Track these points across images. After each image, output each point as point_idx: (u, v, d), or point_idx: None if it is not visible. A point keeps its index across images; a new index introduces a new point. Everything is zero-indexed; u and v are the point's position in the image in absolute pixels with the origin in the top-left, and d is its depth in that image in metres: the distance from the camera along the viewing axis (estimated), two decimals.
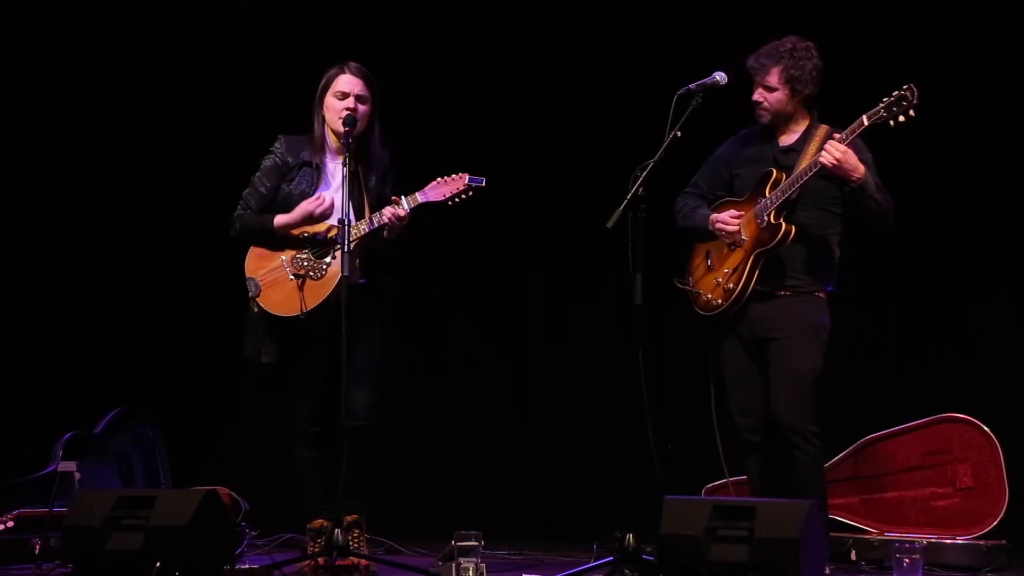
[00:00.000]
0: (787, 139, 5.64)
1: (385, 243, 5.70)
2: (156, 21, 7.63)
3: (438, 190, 5.65)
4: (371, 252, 5.72)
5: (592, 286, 7.18)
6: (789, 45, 5.55)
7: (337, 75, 5.75)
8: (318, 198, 5.67)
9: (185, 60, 7.65)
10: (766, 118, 5.61)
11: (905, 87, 5.27)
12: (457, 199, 5.64)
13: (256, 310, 5.72)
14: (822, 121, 5.61)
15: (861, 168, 5.38)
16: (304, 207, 5.68)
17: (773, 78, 5.54)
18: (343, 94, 5.72)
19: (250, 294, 5.73)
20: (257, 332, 5.75)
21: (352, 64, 5.77)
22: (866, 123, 5.32)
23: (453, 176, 5.65)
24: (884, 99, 5.29)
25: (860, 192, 5.41)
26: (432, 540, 6.12)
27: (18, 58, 7.59)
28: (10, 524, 6.06)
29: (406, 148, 5.91)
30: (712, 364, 5.72)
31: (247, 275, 5.75)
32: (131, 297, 7.60)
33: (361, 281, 5.70)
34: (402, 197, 5.66)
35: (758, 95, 5.57)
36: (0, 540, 6.00)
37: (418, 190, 5.69)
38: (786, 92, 5.55)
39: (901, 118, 5.26)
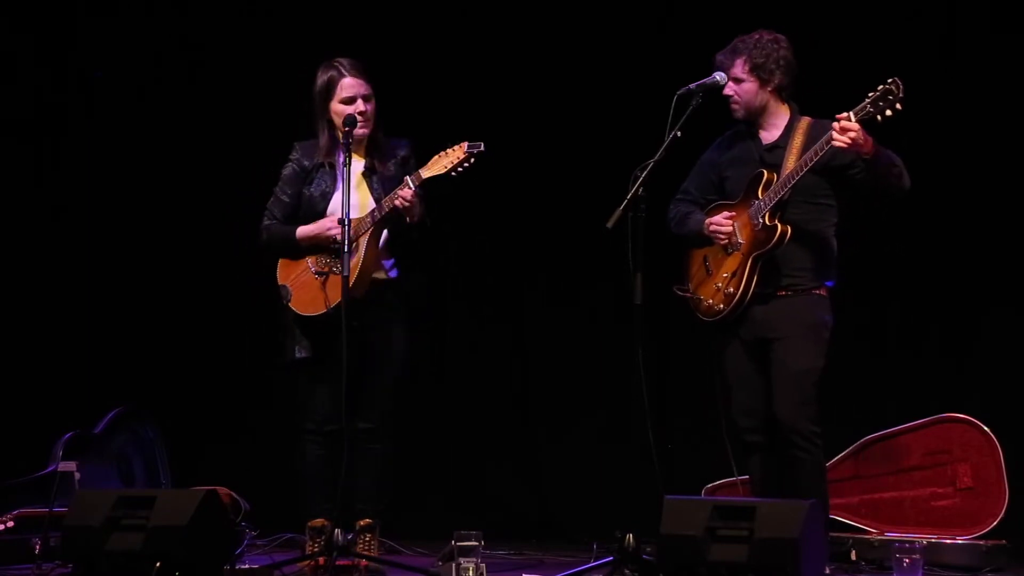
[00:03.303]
0: (770, 135, 5.62)
1: (410, 229, 5.70)
2: (164, 23, 7.64)
3: (440, 163, 5.64)
4: (400, 243, 5.73)
5: (592, 286, 7.18)
6: (756, 36, 5.56)
7: (338, 80, 5.75)
8: (336, 226, 5.65)
9: (193, 60, 7.64)
10: (739, 112, 5.60)
11: (890, 81, 5.22)
12: (459, 168, 5.62)
13: (291, 316, 5.80)
14: (804, 114, 5.60)
15: (870, 139, 5.32)
16: (325, 226, 5.71)
17: (738, 69, 5.55)
18: (350, 99, 5.73)
19: (284, 301, 5.80)
20: (290, 332, 5.81)
21: (346, 63, 5.77)
22: (854, 119, 5.31)
23: (453, 147, 5.64)
24: (870, 94, 5.25)
25: (876, 160, 5.36)
26: (432, 540, 6.12)
27: (19, 56, 7.60)
28: (10, 524, 6.06)
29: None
30: (716, 366, 5.71)
31: (279, 283, 5.83)
32: (132, 297, 7.59)
33: (392, 275, 5.74)
34: (407, 178, 5.66)
35: (728, 89, 5.57)
36: (0, 540, 6.00)
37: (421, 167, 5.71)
38: (753, 82, 5.55)
39: (888, 112, 5.21)
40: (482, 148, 5.57)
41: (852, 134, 5.24)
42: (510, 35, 7.31)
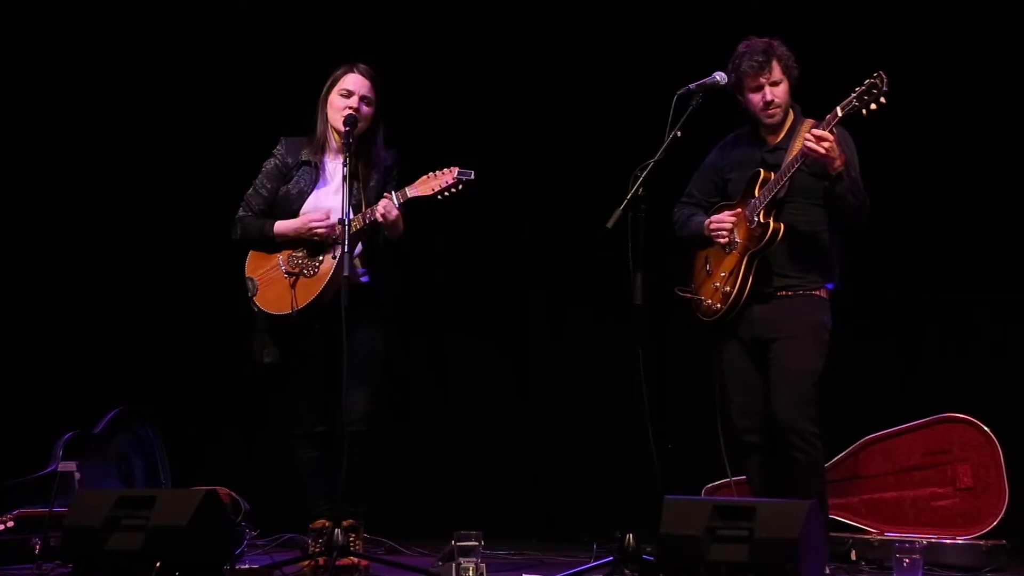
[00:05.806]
0: (774, 137, 5.63)
1: (385, 242, 5.71)
2: (160, 22, 7.64)
3: (427, 184, 5.63)
4: (372, 250, 5.73)
5: (592, 286, 7.17)
6: (763, 40, 5.56)
7: (344, 74, 5.77)
8: (324, 215, 5.66)
9: (186, 62, 7.64)
10: (778, 116, 5.59)
11: (875, 75, 5.26)
12: (446, 192, 5.61)
13: (256, 309, 5.76)
14: (805, 115, 5.60)
15: (843, 157, 5.37)
16: (307, 219, 5.68)
17: (777, 72, 5.54)
18: (348, 92, 5.73)
19: (249, 293, 5.77)
20: (260, 332, 5.78)
21: (361, 65, 5.79)
22: (840, 114, 5.32)
23: (443, 170, 5.63)
24: (856, 88, 5.28)
25: (837, 180, 5.40)
26: (432, 540, 6.12)
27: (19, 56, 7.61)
28: (10, 524, 6.06)
29: (406, 150, 5.91)
30: (715, 366, 5.71)
31: (247, 275, 5.80)
32: (131, 297, 7.60)
33: (363, 280, 5.72)
34: (392, 192, 5.66)
35: (769, 94, 5.54)
36: (0, 540, 6.00)
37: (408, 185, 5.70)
38: (787, 83, 5.56)
39: (873, 106, 5.25)
40: (472, 176, 5.55)
41: (810, 144, 5.29)
42: (510, 35, 7.31)
